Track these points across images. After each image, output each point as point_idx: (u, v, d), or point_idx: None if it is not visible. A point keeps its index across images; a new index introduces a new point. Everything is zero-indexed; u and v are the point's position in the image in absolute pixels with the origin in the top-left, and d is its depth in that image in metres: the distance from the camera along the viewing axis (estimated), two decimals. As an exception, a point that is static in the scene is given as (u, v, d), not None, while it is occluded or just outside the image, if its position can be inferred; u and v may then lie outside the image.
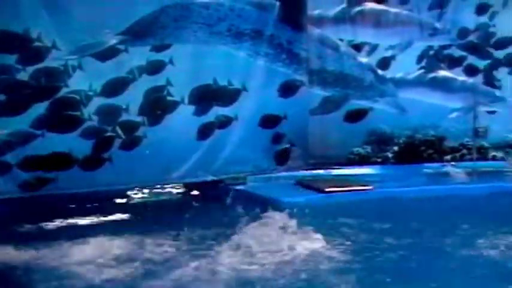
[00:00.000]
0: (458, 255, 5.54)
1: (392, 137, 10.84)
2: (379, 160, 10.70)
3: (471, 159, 10.86)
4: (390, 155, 10.82)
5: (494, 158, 11.48)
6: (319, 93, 10.29)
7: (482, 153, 11.42)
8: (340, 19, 10.51)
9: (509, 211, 7.01)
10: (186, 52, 8.70)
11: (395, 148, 10.85)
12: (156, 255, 5.03)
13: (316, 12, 10.08)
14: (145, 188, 8.98)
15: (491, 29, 11.65)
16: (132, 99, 8.48)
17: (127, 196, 8.81)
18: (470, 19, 11.62)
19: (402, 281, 4.70)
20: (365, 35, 10.82)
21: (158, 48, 8.56)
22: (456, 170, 10.77)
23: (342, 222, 6.69)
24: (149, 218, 6.95)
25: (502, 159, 11.53)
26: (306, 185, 9.09)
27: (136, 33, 8.45)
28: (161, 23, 8.57)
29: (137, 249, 5.30)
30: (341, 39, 10.37)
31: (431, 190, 8.91)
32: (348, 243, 5.84)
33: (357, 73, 10.37)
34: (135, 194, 9.07)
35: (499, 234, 6.02)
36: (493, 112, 11.26)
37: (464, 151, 11.26)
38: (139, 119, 8.55)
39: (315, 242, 5.60)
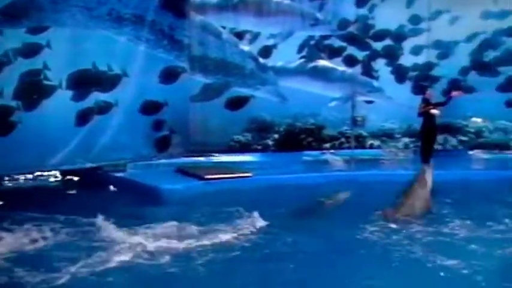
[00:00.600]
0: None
1: (272, 125, 15.02)
2: (259, 148, 14.75)
3: (349, 148, 15.56)
4: (270, 143, 14.97)
5: (371, 147, 16.50)
6: (200, 80, 13.81)
7: (360, 142, 16.22)
8: (222, 7, 13.97)
9: (383, 197, 9.12)
10: (64, 35, 11.12)
11: (276, 136, 15.00)
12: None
13: (199, -1, 13.49)
14: (21, 174, 11.40)
15: (370, 21, 16.39)
16: (6, 82, 10.63)
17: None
18: (350, 11, 16.15)
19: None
20: (247, 23, 14.43)
21: (34, 31, 10.77)
22: (335, 158, 15.36)
23: (219, 209, 8.39)
24: (20, 204, 8.45)
25: (379, 147, 16.53)
26: (186, 172, 11.80)
27: (11, 15, 10.56)
28: (38, 4, 10.81)
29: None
30: (223, 27, 14.09)
31: (310, 177, 12.00)
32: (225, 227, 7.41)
33: (238, 61, 14.07)
34: (9, 180, 12.12)
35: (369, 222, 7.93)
36: (370, 102, 16.00)
37: (343, 139, 15.76)
38: (13, 103, 10.68)
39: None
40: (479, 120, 16.15)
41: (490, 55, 16.35)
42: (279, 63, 15.09)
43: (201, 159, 13.82)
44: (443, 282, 5.77)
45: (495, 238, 7.39)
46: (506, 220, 8.26)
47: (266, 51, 14.86)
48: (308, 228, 7.66)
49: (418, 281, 5.82)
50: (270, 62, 14.93)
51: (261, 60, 14.64)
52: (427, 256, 6.45)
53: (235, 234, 7.13)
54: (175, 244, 6.68)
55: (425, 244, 7.06)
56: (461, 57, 16.26)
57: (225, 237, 7.00)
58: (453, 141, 16.09)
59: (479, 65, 16.23)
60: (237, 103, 14.27)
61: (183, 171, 12.10)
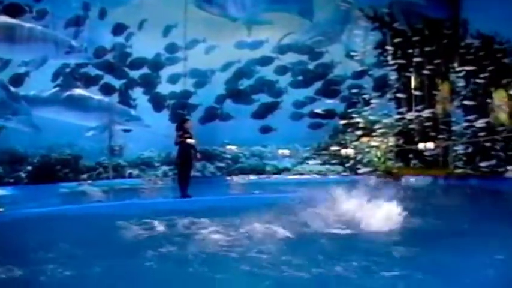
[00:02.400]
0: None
1: (26, 156, 17.22)
2: (11, 181, 16.88)
3: (108, 178, 18.63)
4: (24, 175, 17.12)
5: (130, 176, 20.00)
6: None
7: (118, 171, 19.69)
8: (-32, 31, 16.62)
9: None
10: None
11: (29, 168, 17.18)
12: None
13: None
14: None
15: (128, 49, 20.05)
16: None
17: None
18: (107, 38, 19.68)
19: None
20: (-3, 49, 17.35)
21: None
22: (93, 189, 18.43)
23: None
24: None
25: (138, 176, 20.10)
26: None
27: None
28: None
29: None
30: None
31: (66, 209, 13.08)
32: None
33: (-14, 90, 16.97)
34: None
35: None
36: (128, 131, 18.82)
37: (101, 169, 18.56)
38: None
39: None
40: (233, 147, 20.67)
41: (245, 83, 21.03)
42: (32, 92, 17.33)
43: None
44: None
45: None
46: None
47: (18, 80, 17.32)
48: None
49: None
50: (22, 90, 17.04)
51: (12, 88, 16.67)
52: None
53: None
54: None
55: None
56: (217, 85, 20.48)
57: None
58: (211, 167, 20.36)
59: (234, 93, 20.82)
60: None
61: None
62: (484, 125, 18.35)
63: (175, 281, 7.38)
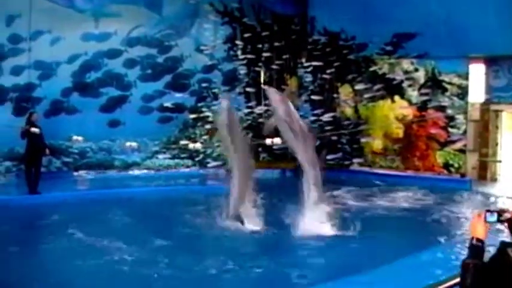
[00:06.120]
0: None
1: None
2: None
3: None
4: None
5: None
6: None
7: (-43, 167, 19.19)
8: None
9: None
10: None
11: None
12: None
13: None
14: None
15: (-34, 39, 19.57)
16: None
17: None
18: None
19: None
20: None
21: None
22: None
23: None
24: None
25: None
26: None
27: None
28: None
29: None
30: None
31: None
32: None
33: None
34: None
35: None
36: None
37: None
38: None
39: None
40: (80, 138, 20.46)
41: (92, 76, 21.00)
42: None
43: None
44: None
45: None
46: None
47: None
48: None
49: None
50: None
51: None
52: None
53: None
54: None
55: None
56: (63, 78, 20.36)
57: None
58: (57, 162, 20.20)
59: (81, 86, 20.74)
60: None
61: None
62: (330, 119, 19.55)
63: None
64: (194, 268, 8.10)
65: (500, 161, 18.76)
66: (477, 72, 18.66)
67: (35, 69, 19.58)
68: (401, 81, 20.04)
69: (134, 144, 20.59)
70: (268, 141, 18.75)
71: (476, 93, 18.74)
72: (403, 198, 14.96)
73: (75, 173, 19.99)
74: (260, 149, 19.67)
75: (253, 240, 10.92)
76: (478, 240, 4.00)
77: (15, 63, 19.29)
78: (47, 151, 15.12)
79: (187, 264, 8.48)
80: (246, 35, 20.51)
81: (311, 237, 10.24)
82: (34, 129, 14.46)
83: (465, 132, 19.13)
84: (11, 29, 19.17)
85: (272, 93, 11.89)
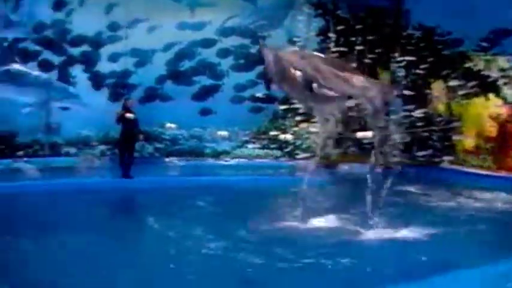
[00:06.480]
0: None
1: None
2: None
3: (44, 155, 18.89)
4: None
5: (67, 154, 20.24)
6: None
7: (55, 149, 19.94)
8: None
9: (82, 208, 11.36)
10: None
11: None
12: None
13: None
14: None
15: (68, 26, 20.24)
16: None
17: None
18: (47, 14, 19.96)
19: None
20: None
21: None
22: (28, 166, 18.62)
23: None
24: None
25: (75, 155, 20.34)
26: None
27: None
28: None
29: None
30: None
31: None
32: None
33: None
34: None
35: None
36: (66, 108, 19.44)
37: (37, 147, 18.70)
38: None
39: None
40: (173, 126, 21.01)
41: (186, 65, 21.43)
42: None
43: None
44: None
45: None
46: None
47: None
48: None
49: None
50: None
51: None
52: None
53: None
54: None
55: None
56: (158, 65, 20.84)
57: None
58: (150, 148, 20.73)
59: (175, 74, 21.23)
60: None
61: None
62: (422, 115, 19.15)
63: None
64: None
65: None
66: None
67: (131, 56, 20.11)
68: (497, 79, 19.42)
69: (225, 133, 20.83)
70: (359, 134, 18.58)
71: None
72: (494, 200, 14.47)
73: (167, 159, 20.30)
74: (349, 143, 19.54)
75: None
76: None
77: (113, 50, 19.87)
78: (141, 137, 15.48)
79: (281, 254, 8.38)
80: (339, 28, 20.35)
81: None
82: (129, 115, 14.78)
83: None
84: (109, 17, 19.79)
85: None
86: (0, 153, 17.79)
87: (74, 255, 8.28)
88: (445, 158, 19.71)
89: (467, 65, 19.51)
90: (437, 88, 20.10)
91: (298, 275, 7.25)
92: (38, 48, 18.85)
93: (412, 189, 14.39)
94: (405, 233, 9.99)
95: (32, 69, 18.66)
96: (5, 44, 18.23)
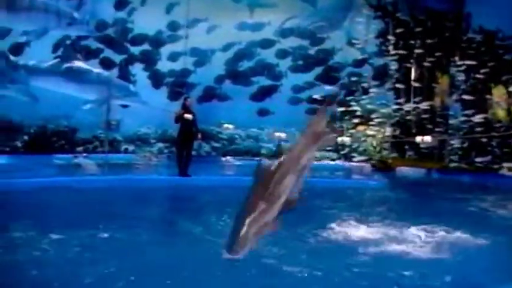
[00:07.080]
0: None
1: (22, 126, 17.57)
2: (7, 149, 17.31)
3: (103, 152, 19.47)
4: (20, 144, 17.60)
5: (126, 151, 20.53)
6: None
7: (114, 146, 20.30)
8: (-32, -1, 17.02)
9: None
10: None
11: (26, 137, 17.60)
12: None
13: None
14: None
15: (129, 25, 20.49)
16: None
17: None
18: (109, 13, 20.31)
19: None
20: (-3, 18, 17.72)
21: None
22: (88, 162, 18.97)
23: None
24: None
25: (134, 152, 20.61)
26: None
27: None
28: None
29: None
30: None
31: (61, 181, 13.07)
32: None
33: (-16, 57, 16.72)
34: None
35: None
36: (125, 106, 19.90)
37: (97, 143, 19.39)
38: None
39: None
40: (230, 126, 21.13)
41: (245, 65, 21.48)
42: (32, 62, 17.68)
43: None
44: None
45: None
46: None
47: (17, 49, 17.67)
48: None
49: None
50: (21, 60, 17.50)
51: (11, 57, 17.24)
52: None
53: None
54: None
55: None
56: (217, 65, 20.92)
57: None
58: (207, 147, 20.86)
59: (234, 74, 21.30)
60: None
61: None
62: (481, 120, 18.72)
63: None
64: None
65: None
66: None
67: (190, 55, 20.24)
68: (559, 86, 18.87)
69: (282, 134, 20.77)
70: (418, 138, 18.29)
71: None
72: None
73: (223, 158, 20.32)
74: (407, 147, 19.23)
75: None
76: None
77: (173, 50, 20.00)
78: (199, 136, 15.46)
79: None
80: (398, 30, 20.08)
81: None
82: (187, 116, 14.69)
83: None
84: (170, 16, 19.96)
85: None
86: (60, 148, 18.17)
87: (131, 251, 8.17)
88: (505, 164, 19.19)
89: (529, 71, 18.96)
90: (497, 93, 19.61)
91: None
92: (99, 46, 19.14)
93: (469, 196, 14.00)
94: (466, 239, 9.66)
95: (94, 67, 18.93)
96: (68, 41, 18.54)
